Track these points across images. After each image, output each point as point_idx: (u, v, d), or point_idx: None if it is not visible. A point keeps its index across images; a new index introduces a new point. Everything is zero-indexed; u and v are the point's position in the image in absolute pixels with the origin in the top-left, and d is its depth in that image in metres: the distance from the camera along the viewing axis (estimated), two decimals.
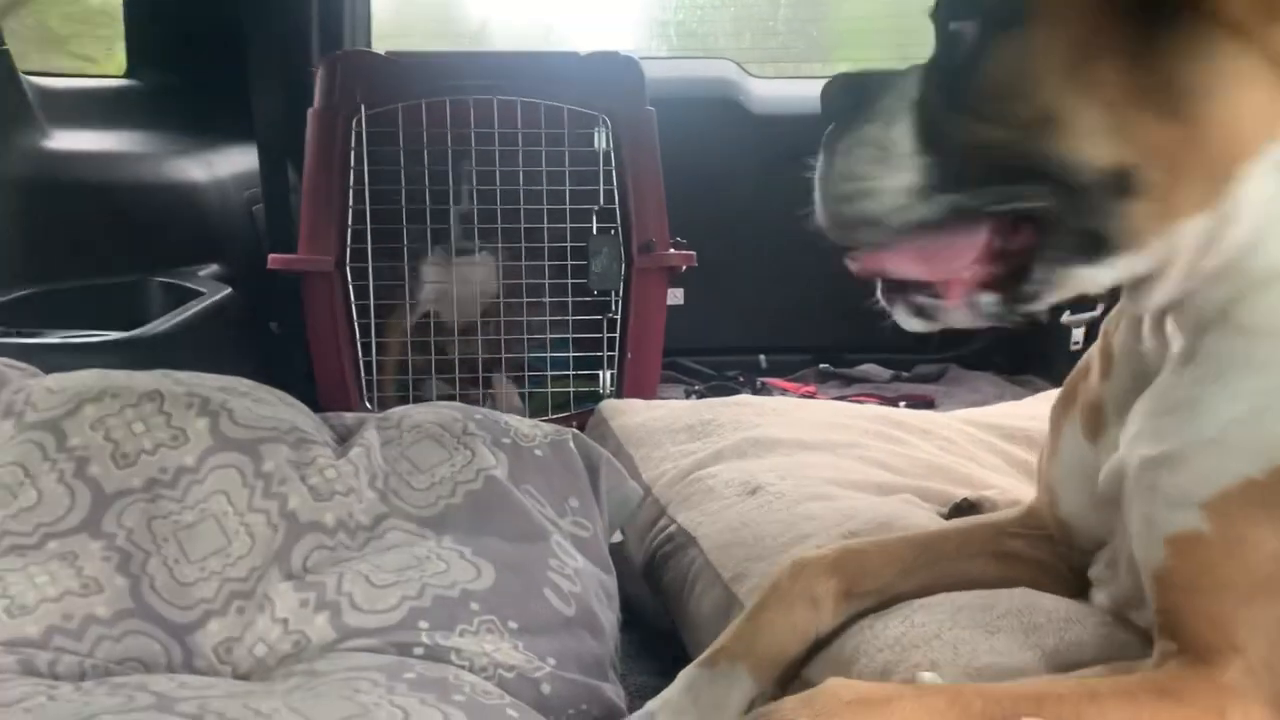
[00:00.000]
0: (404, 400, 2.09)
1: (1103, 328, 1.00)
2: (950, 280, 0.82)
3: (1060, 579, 1.01)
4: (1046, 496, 1.05)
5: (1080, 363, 1.04)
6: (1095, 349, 1.01)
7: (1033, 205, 0.78)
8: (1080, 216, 0.77)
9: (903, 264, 0.84)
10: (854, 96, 0.84)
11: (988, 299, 0.82)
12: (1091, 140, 0.75)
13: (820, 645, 0.98)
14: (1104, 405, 0.95)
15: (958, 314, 0.83)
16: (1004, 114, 0.77)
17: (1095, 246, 0.78)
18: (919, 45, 0.87)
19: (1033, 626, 0.90)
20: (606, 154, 2.20)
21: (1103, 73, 0.74)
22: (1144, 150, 0.74)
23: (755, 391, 2.71)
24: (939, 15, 0.82)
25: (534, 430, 1.34)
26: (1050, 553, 1.04)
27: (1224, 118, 0.74)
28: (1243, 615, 0.77)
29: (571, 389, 2.26)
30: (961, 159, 0.79)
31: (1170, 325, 0.87)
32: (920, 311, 0.85)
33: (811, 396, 2.67)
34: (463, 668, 1.00)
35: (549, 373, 2.26)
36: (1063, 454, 1.02)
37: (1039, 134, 0.76)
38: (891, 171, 0.81)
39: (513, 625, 1.07)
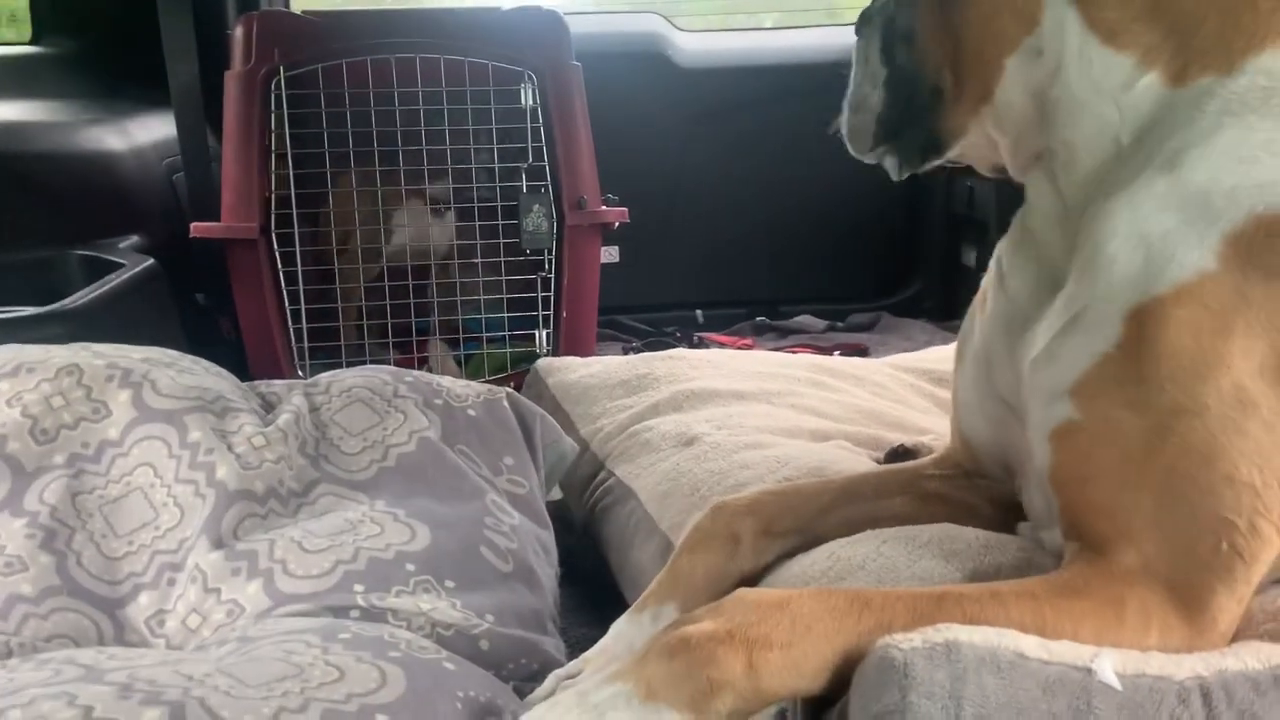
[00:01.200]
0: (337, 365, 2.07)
1: (995, 252, 1.04)
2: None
3: (980, 517, 1.03)
4: (954, 417, 1.08)
5: (982, 284, 1.07)
6: (987, 274, 1.05)
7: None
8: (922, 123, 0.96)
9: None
10: (864, 14, 1.01)
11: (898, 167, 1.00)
12: (927, 59, 0.94)
13: (748, 583, 0.99)
14: (1000, 319, 0.98)
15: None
16: (906, 29, 0.95)
17: (933, 145, 0.97)
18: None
19: (953, 553, 0.92)
20: (534, 110, 2.18)
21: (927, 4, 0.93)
22: (942, 66, 0.93)
23: (692, 346, 2.72)
24: None
25: (466, 390, 1.33)
26: (969, 490, 1.06)
27: (982, 27, 0.90)
28: (1127, 500, 0.78)
29: (508, 350, 2.25)
30: (897, 76, 0.97)
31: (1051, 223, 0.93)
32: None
33: (748, 350, 2.69)
34: (399, 627, 1.00)
35: (484, 334, 2.24)
36: (965, 366, 1.05)
37: (919, 48, 0.94)
38: (866, 81, 0.99)
39: (449, 584, 1.07)
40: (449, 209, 2.21)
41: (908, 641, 0.73)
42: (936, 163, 0.99)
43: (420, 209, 2.21)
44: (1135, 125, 0.86)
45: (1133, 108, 0.86)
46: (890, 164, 1.00)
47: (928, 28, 0.94)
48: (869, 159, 1.02)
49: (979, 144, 0.98)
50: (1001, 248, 1.02)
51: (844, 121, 1.02)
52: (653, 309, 2.98)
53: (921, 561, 0.92)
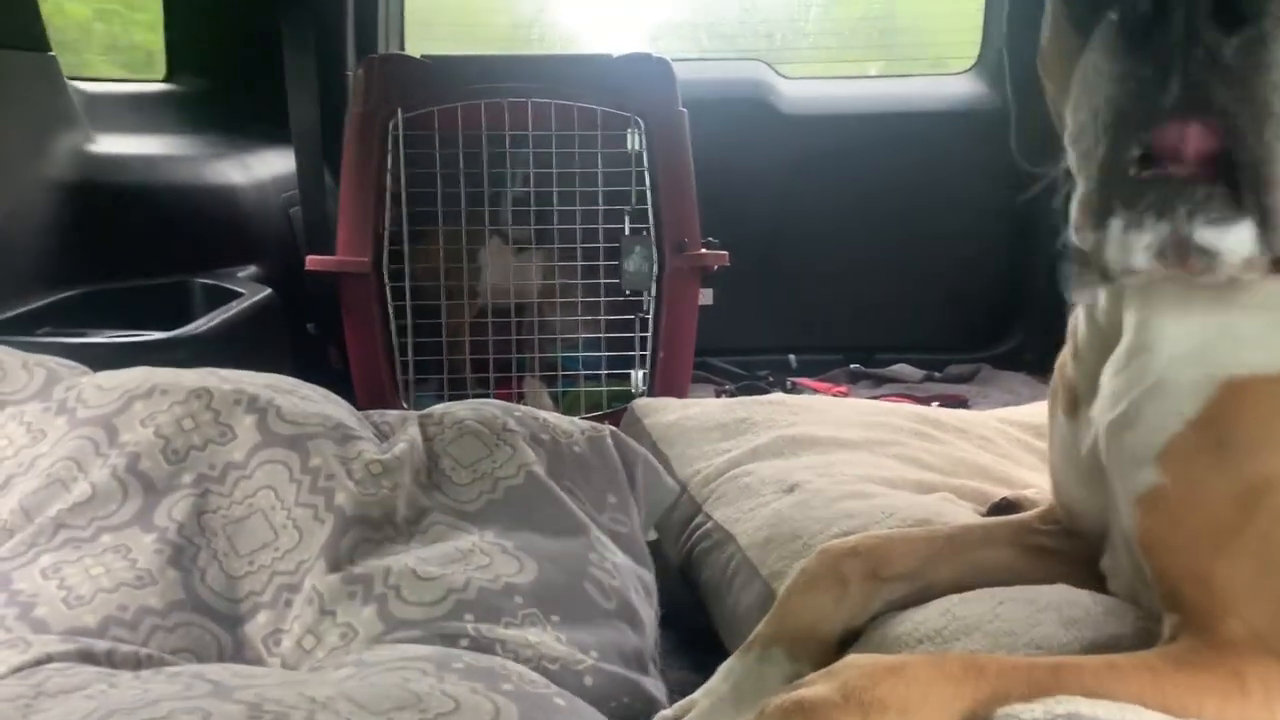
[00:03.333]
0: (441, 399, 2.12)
1: (1071, 316, 1.02)
2: None
3: (1088, 571, 1.01)
4: (1051, 485, 1.06)
5: (1061, 352, 1.06)
6: (1068, 332, 1.03)
7: None
8: None
9: None
10: None
11: None
12: None
13: (858, 635, 0.99)
14: (1076, 384, 0.96)
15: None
16: None
17: None
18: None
19: (1072, 620, 0.90)
20: (639, 155, 2.22)
21: None
22: None
23: (786, 391, 2.71)
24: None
25: (572, 427, 1.35)
26: (1073, 546, 1.05)
27: None
28: (1224, 569, 0.77)
29: (604, 389, 2.27)
30: None
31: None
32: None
33: (844, 397, 2.67)
34: (508, 658, 1.01)
35: (581, 372, 2.27)
36: (1054, 439, 1.04)
37: None
38: None
39: (555, 618, 1.09)
40: (533, 248, 2.25)
41: (1029, 712, 0.72)
42: None
43: (500, 247, 2.25)
44: None
45: None
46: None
47: None
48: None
49: None
50: (1079, 312, 1.01)
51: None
52: (746, 352, 2.98)
53: (1040, 627, 0.90)
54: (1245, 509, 0.76)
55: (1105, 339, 0.93)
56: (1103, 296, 0.92)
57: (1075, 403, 0.98)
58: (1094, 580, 1.03)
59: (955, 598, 0.97)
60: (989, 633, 0.90)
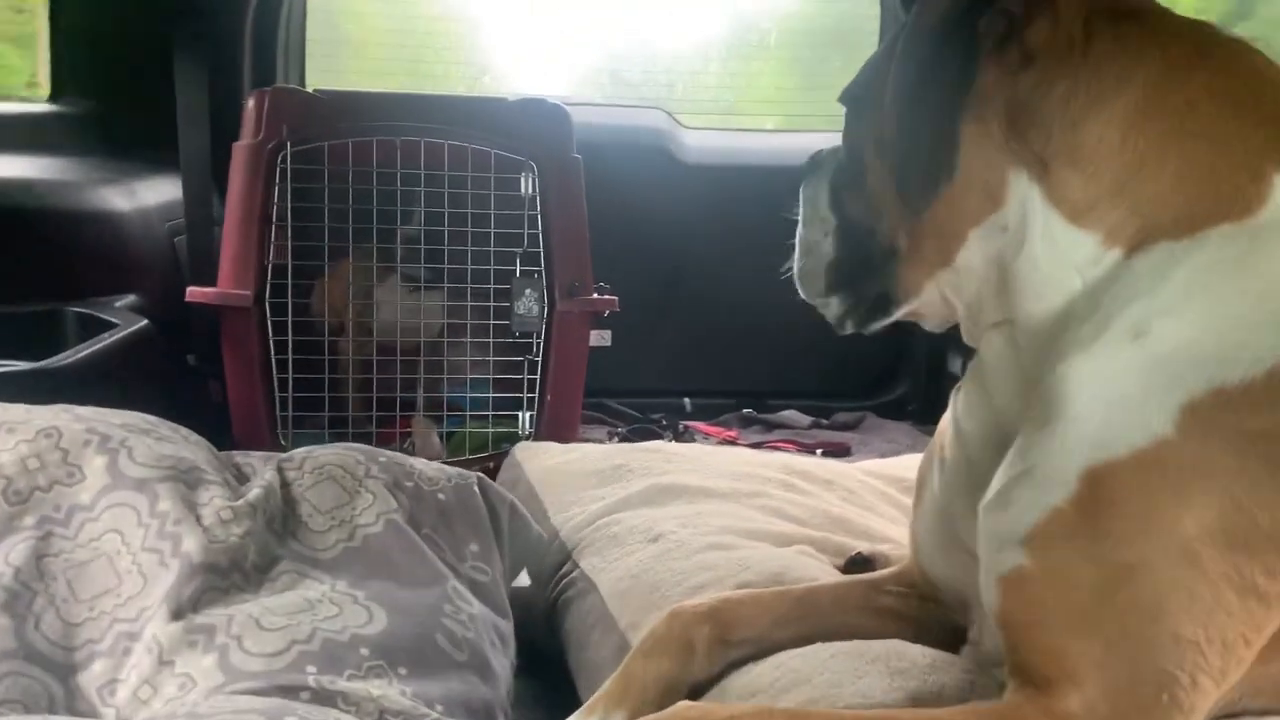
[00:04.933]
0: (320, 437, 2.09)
1: (950, 401, 1.06)
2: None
3: (931, 635, 1.04)
4: (912, 548, 1.09)
5: (940, 424, 1.09)
6: (945, 421, 1.07)
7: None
8: (873, 270, 0.99)
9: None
10: (812, 162, 1.06)
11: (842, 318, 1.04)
12: (881, 218, 0.96)
13: (698, 691, 1.00)
14: (960, 469, 1.00)
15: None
16: (857, 182, 0.98)
17: (881, 306, 0.99)
18: (837, 104, 0.99)
19: (899, 671, 0.93)
20: (532, 199, 2.23)
21: (878, 166, 0.95)
22: (898, 227, 0.95)
23: (678, 435, 2.74)
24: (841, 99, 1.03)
25: (438, 474, 1.35)
26: (921, 609, 1.08)
27: (946, 202, 0.91)
28: (1075, 647, 0.79)
29: (490, 429, 2.27)
30: (848, 228, 1.01)
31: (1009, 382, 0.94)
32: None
33: (733, 441, 2.71)
34: (348, 712, 1.00)
35: (469, 412, 2.27)
36: (924, 506, 1.07)
37: (871, 202, 0.97)
38: (816, 227, 1.03)
39: (402, 670, 1.08)
40: (428, 287, 2.25)
41: None
42: (884, 323, 1.00)
43: (395, 285, 2.24)
44: (1093, 291, 0.88)
45: (1095, 277, 0.88)
46: (834, 314, 1.03)
47: (881, 188, 0.95)
48: (818, 304, 1.05)
49: (933, 303, 0.99)
50: (956, 401, 1.04)
51: (795, 263, 1.05)
52: (641, 394, 3.00)
53: (867, 679, 0.93)
54: (1105, 593, 0.79)
55: (995, 413, 0.96)
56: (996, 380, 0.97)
57: (958, 485, 1.01)
58: (934, 642, 1.06)
59: (791, 651, 0.99)
60: (818, 684, 0.93)
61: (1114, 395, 0.82)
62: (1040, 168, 0.87)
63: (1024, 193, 0.88)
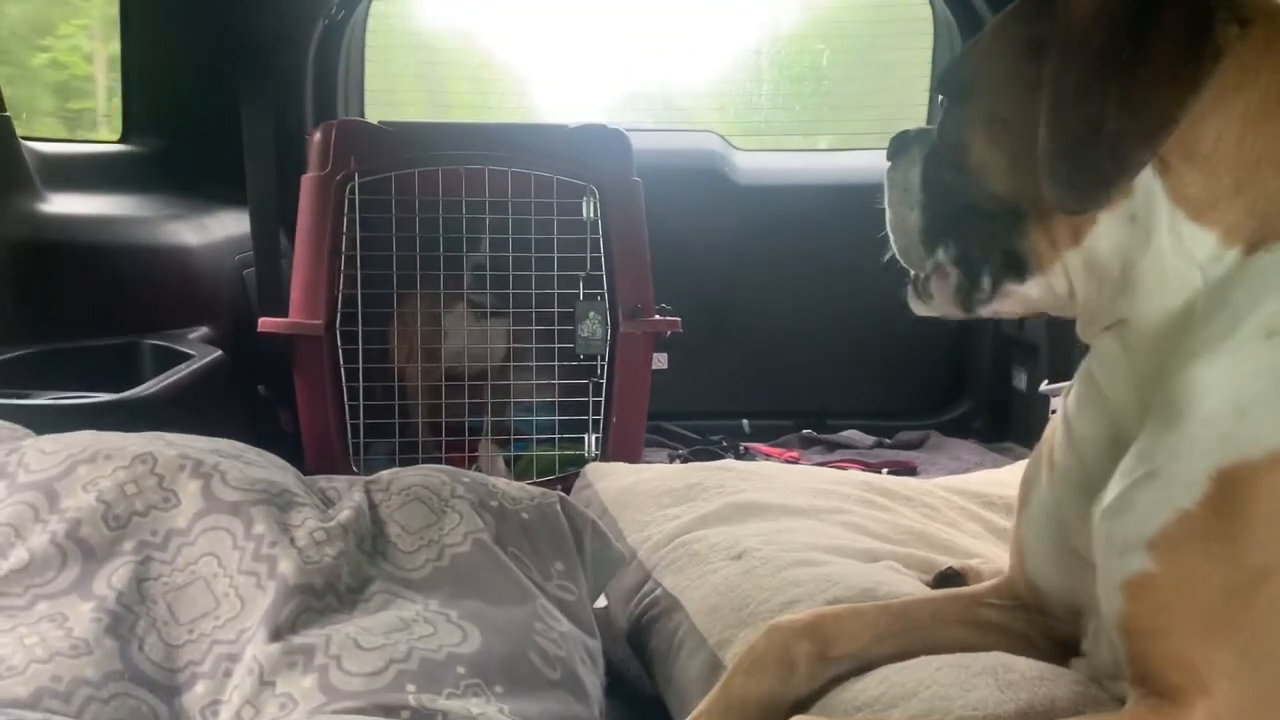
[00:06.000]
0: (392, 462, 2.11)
1: (1059, 407, 1.04)
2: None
3: (1036, 649, 1.02)
4: (1017, 557, 1.07)
5: (1048, 429, 1.07)
6: (1053, 427, 1.05)
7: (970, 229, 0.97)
8: (995, 239, 0.95)
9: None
10: (898, 144, 1.05)
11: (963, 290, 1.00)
12: (996, 180, 0.94)
13: (800, 707, 0.99)
14: (1072, 475, 0.98)
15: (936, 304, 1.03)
16: (957, 162, 0.97)
17: (1013, 265, 0.95)
18: (898, 120, 0.99)
19: (1008, 683, 0.91)
20: (594, 223, 2.25)
21: (1006, 134, 0.93)
22: (1027, 192, 0.91)
23: (738, 456, 2.73)
24: (933, 90, 0.99)
25: (521, 494, 1.36)
26: (1026, 623, 1.06)
27: None
28: (1202, 654, 0.78)
29: (556, 453, 2.28)
30: (939, 196, 1.00)
31: (1123, 379, 0.92)
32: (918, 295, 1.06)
33: (795, 462, 2.69)
34: None
35: (535, 436, 2.28)
36: (1032, 511, 1.05)
37: (973, 177, 0.95)
38: (907, 207, 1.02)
39: (498, 689, 1.08)
40: (494, 313, 2.27)
41: None
42: (1016, 292, 0.96)
43: (464, 312, 2.27)
44: (1216, 290, 0.87)
45: (1216, 276, 0.87)
46: (951, 287, 1.00)
47: (997, 174, 0.94)
48: (934, 275, 1.02)
49: (1056, 286, 0.95)
50: (1067, 403, 1.02)
51: (894, 247, 1.04)
52: (700, 416, 3.01)
53: (976, 691, 0.91)
54: (1241, 597, 0.78)
55: (1110, 415, 0.94)
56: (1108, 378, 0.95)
57: (1069, 488, 0.99)
58: (1038, 655, 1.03)
59: (895, 665, 0.98)
60: (925, 698, 0.91)
61: (1248, 395, 0.81)
62: (1161, 163, 0.87)
63: (1149, 184, 0.88)
